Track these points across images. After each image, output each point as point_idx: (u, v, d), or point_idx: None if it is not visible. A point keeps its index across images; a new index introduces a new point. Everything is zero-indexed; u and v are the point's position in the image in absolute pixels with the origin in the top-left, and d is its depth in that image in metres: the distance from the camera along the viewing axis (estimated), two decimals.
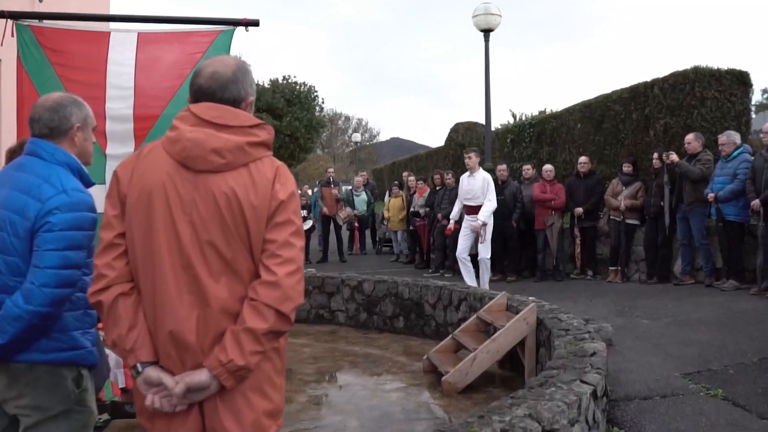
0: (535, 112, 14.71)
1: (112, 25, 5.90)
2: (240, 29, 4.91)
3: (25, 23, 4.61)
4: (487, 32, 11.56)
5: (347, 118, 61.54)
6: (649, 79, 10.07)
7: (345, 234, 14.86)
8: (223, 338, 1.78)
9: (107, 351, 3.12)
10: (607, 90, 11.12)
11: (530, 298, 6.07)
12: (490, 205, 8.40)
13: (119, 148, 4.34)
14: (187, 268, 1.79)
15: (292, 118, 24.83)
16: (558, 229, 9.84)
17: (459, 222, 8.97)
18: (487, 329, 5.83)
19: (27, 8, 8.14)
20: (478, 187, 8.51)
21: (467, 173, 8.76)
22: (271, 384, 1.90)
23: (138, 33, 4.83)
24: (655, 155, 8.90)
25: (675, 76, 9.52)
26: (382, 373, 5.75)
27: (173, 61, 4.73)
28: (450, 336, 5.94)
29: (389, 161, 30.22)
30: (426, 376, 5.58)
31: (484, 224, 8.37)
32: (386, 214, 14.16)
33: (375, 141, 63.92)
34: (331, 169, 15.75)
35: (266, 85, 26.42)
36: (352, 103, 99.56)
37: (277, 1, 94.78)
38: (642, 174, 9.46)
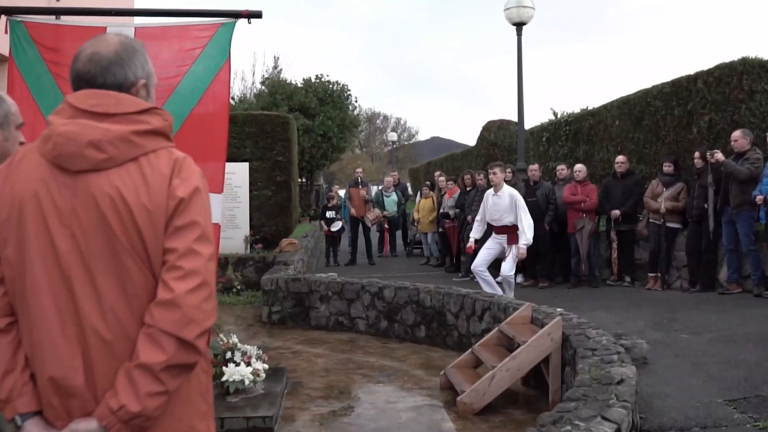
0: (577, 110, 14.10)
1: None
2: (242, 22, 4.65)
3: (18, 19, 4.43)
4: (519, 26, 11.09)
5: (385, 118, 61.34)
6: (692, 72, 9.45)
7: (375, 235, 14.51)
8: (115, 379, 1.43)
9: None
10: (648, 85, 10.49)
11: (558, 309, 5.60)
12: (528, 228, 7.62)
13: None
14: (70, 294, 1.44)
15: (324, 117, 24.55)
16: (589, 232, 9.26)
17: (478, 242, 8.30)
18: (509, 343, 5.39)
19: (44, 4, 8.00)
20: (504, 205, 7.78)
21: (491, 190, 8.06)
22: None
23: (135, 28, 4.67)
24: (698, 154, 8.34)
25: (721, 68, 8.89)
26: (396, 389, 5.37)
27: (171, 57, 4.54)
28: (470, 350, 5.52)
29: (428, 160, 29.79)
30: (442, 393, 5.18)
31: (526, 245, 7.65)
32: (416, 216, 13.76)
33: (414, 140, 63.55)
34: (360, 170, 15.34)
35: (299, 84, 26.20)
36: (389, 103, 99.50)
37: (309, 2, 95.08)
38: (684, 174, 8.89)
